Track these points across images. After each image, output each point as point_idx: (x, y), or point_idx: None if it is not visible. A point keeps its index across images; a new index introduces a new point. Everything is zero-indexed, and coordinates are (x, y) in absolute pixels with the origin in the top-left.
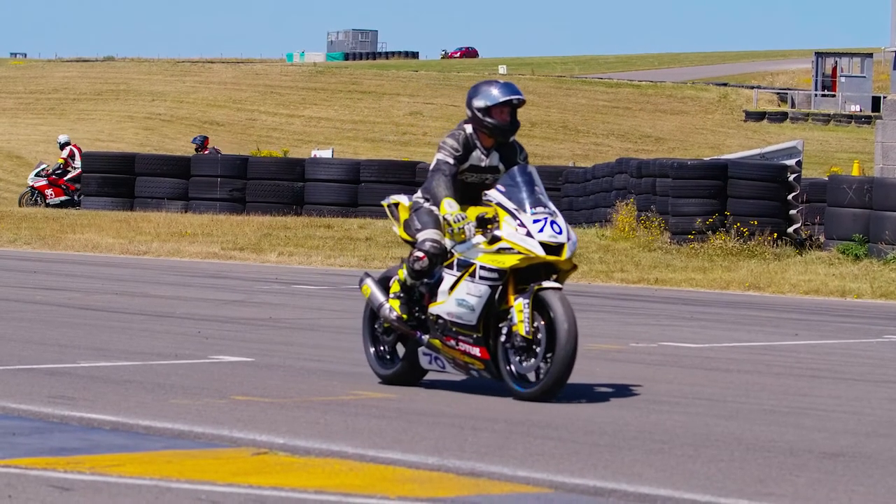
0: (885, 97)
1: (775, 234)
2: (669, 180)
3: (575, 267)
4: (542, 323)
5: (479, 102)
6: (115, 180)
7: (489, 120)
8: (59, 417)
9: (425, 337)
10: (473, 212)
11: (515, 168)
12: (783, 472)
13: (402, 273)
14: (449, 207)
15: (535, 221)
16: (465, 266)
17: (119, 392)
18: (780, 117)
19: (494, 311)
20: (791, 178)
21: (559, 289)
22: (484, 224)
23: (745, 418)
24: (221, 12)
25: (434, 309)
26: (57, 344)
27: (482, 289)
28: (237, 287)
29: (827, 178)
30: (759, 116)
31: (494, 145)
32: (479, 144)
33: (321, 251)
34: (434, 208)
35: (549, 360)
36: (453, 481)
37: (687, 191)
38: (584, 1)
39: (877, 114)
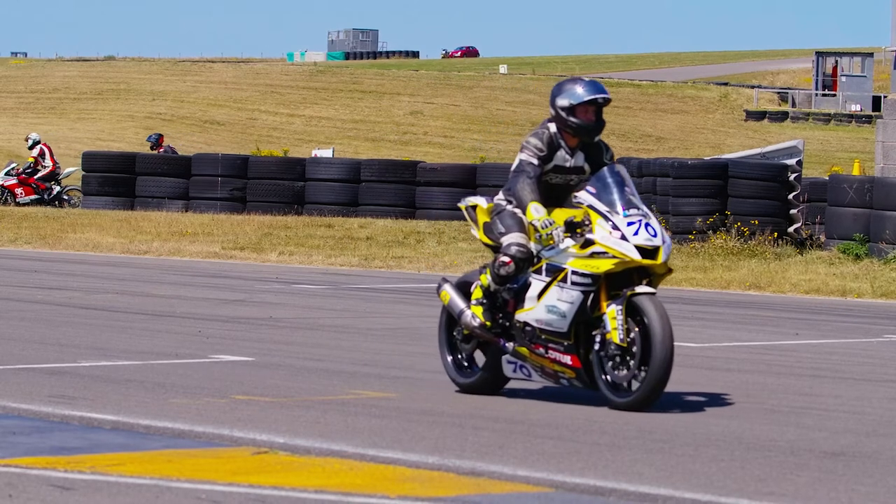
0: (885, 97)
1: (776, 234)
2: (670, 180)
3: (670, 270)
4: (637, 330)
5: (562, 101)
6: (116, 180)
7: (573, 119)
8: (60, 417)
9: (510, 345)
10: (559, 214)
11: (605, 168)
12: (784, 472)
13: (485, 278)
14: (536, 213)
15: (629, 224)
16: (555, 271)
17: (119, 391)
18: (781, 117)
19: (586, 317)
20: (792, 177)
21: (653, 293)
22: (573, 228)
23: (745, 418)
24: (221, 12)
25: (521, 316)
26: (57, 343)
27: (574, 295)
28: (238, 286)
29: (827, 178)
30: (759, 116)
31: (579, 145)
32: (563, 144)
33: (322, 251)
34: (517, 210)
35: (644, 367)
36: (453, 480)
37: (687, 190)
38: (584, 1)
39: (877, 113)
